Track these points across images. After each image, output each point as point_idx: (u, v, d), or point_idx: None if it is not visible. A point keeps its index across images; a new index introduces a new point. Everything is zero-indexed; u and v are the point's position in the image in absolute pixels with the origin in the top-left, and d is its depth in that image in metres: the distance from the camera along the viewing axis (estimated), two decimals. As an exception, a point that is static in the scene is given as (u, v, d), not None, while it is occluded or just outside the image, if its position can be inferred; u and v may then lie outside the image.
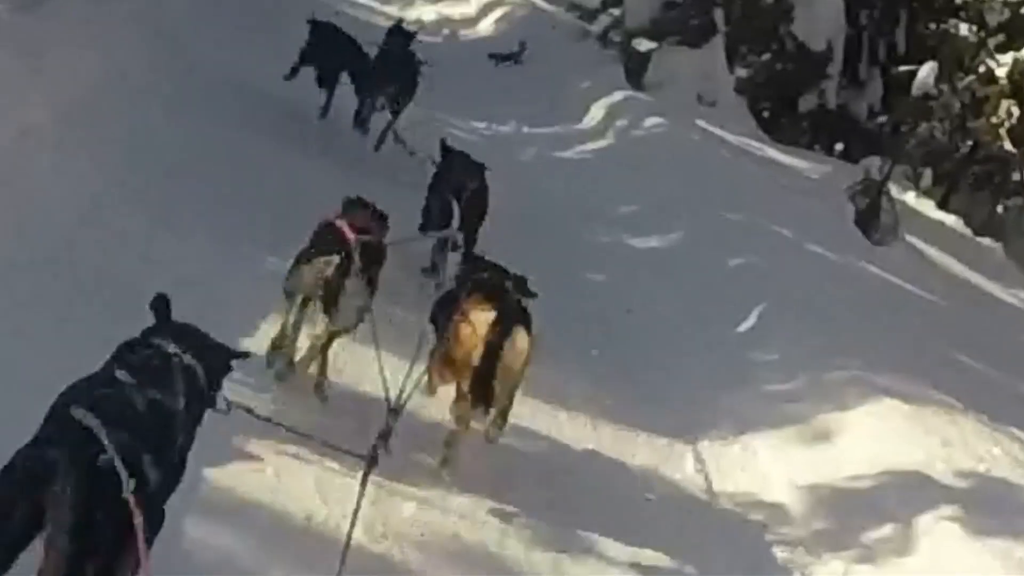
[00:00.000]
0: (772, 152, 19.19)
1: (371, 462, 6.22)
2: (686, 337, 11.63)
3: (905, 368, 11.01)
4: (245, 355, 5.83)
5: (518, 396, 8.22)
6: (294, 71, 14.58)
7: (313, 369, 8.29)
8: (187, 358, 5.27)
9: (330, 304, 7.88)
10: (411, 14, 22.87)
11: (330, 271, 7.83)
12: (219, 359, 5.55)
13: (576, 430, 9.48)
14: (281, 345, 8.20)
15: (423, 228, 11.01)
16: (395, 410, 6.94)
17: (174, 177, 11.20)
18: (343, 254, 7.84)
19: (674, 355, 11.25)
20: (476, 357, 7.67)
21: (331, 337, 8.15)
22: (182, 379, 5.19)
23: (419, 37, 15.09)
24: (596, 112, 18.21)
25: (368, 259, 7.95)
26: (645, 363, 11.06)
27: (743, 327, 11.87)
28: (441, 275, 10.37)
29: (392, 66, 14.22)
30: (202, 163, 11.91)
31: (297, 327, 8.17)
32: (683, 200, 14.95)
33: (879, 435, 9.68)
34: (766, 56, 21.90)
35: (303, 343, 8.27)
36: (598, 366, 10.81)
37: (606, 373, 10.64)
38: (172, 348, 5.25)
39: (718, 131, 18.73)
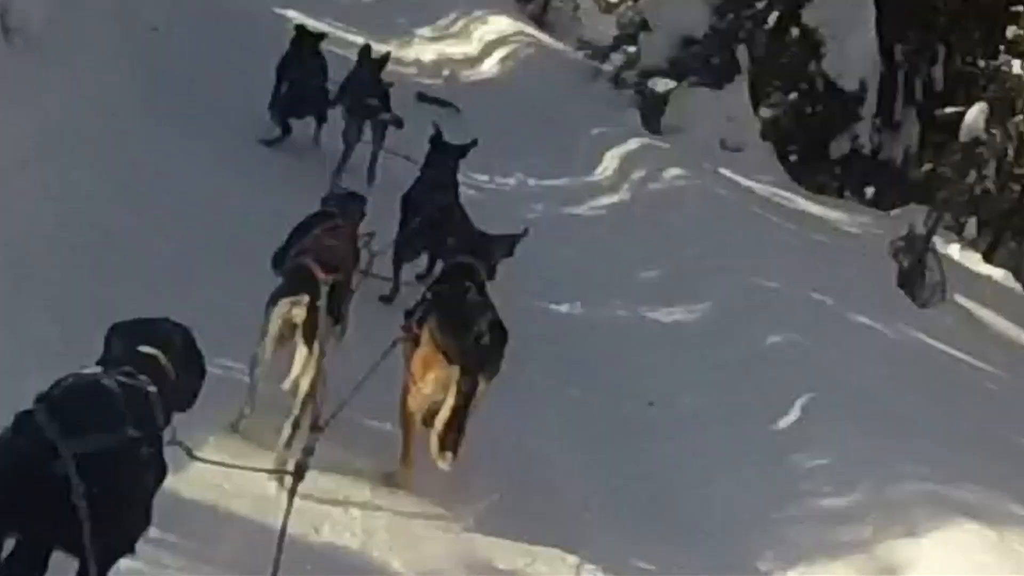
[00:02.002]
0: (802, 202, 17.64)
1: (297, 477, 6.34)
2: (718, 438, 10.02)
3: (979, 475, 9.41)
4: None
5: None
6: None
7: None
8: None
9: (307, 334, 7.73)
10: (409, 53, 21.37)
11: (303, 311, 7.73)
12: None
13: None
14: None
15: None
16: (319, 427, 7.00)
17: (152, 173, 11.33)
18: (312, 295, 7.74)
19: (704, 463, 9.65)
20: (442, 416, 7.72)
21: (317, 373, 7.83)
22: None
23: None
24: (610, 162, 16.61)
25: (335, 299, 7.90)
26: (671, 476, 9.47)
27: (784, 423, 10.25)
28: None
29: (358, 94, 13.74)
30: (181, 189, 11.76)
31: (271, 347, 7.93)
32: (709, 264, 13.39)
33: (959, 569, 8.15)
34: (793, 96, 20.28)
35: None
36: (614, 481, 9.30)
37: (625, 494, 9.12)
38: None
39: (744, 180, 17.21)
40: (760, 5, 20.01)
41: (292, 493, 6.29)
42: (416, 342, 8.01)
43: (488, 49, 22.10)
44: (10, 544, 4.61)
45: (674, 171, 15.78)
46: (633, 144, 16.95)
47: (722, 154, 18.28)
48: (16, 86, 10.17)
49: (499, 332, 8.09)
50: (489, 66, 21.47)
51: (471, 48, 22.39)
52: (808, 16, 19.52)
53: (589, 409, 10.30)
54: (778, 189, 17.81)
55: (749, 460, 9.63)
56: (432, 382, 7.80)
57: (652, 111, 18.98)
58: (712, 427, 10.17)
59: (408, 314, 8.34)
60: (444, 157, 11.58)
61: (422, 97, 16.64)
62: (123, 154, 11.55)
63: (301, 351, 7.76)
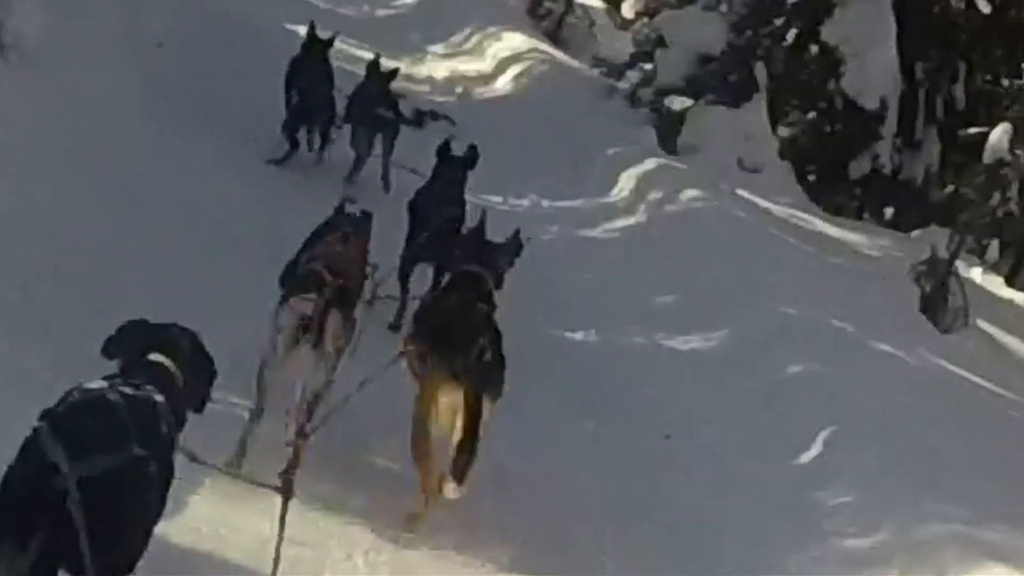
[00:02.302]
0: (821, 224, 17.25)
1: (286, 492, 6.22)
2: (737, 473, 9.75)
3: (1008, 513, 9.11)
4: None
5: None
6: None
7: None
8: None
9: (316, 339, 7.81)
10: (422, 70, 20.98)
11: (309, 310, 7.79)
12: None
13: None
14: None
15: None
16: (305, 434, 6.98)
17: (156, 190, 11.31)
18: (320, 294, 7.83)
19: (722, 498, 9.33)
20: (454, 440, 7.57)
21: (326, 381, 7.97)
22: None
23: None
24: (626, 183, 16.24)
25: (343, 300, 8.00)
26: (687, 512, 9.12)
27: (806, 457, 9.98)
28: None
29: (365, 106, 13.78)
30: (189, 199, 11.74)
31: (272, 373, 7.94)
32: (728, 289, 13.04)
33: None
34: (812, 115, 19.92)
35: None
36: (630, 516, 8.98)
37: (640, 530, 8.81)
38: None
39: (762, 202, 16.86)
40: (779, 22, 19.62)
41: (284, 512, 6.18)
42: (421, 358, 7.96)
43: (502, 66, 21.66)
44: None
45: (691, 192, 15.42)
46: (649, 164, 16.58)
47: (739, 174, 17.90)
48: (10, 103, 9.87)
49: (499, 347, 8.01)
50: (503, 83, 21.06)
51: (484, 65, 21.96)
52: (828, 33, 19.13)
53: (604, 442, 9.96)
54: (796, 210, 17.43)
55: (769, 497, 9.33)
56: (443, 407, 7.64)
57: (668, 130, 18.59)
58: (731, 461, 9.88)
59: (412, 325, 8.37)
60: (452, 169, 11.46)
61: (419, 115, 16.30)
62: (123, 168, 11.40)
63: (309, 353, 7.81)
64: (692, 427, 10.39)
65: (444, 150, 11.56)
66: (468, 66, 21.95)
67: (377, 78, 14.08)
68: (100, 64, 12.26)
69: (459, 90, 20.39)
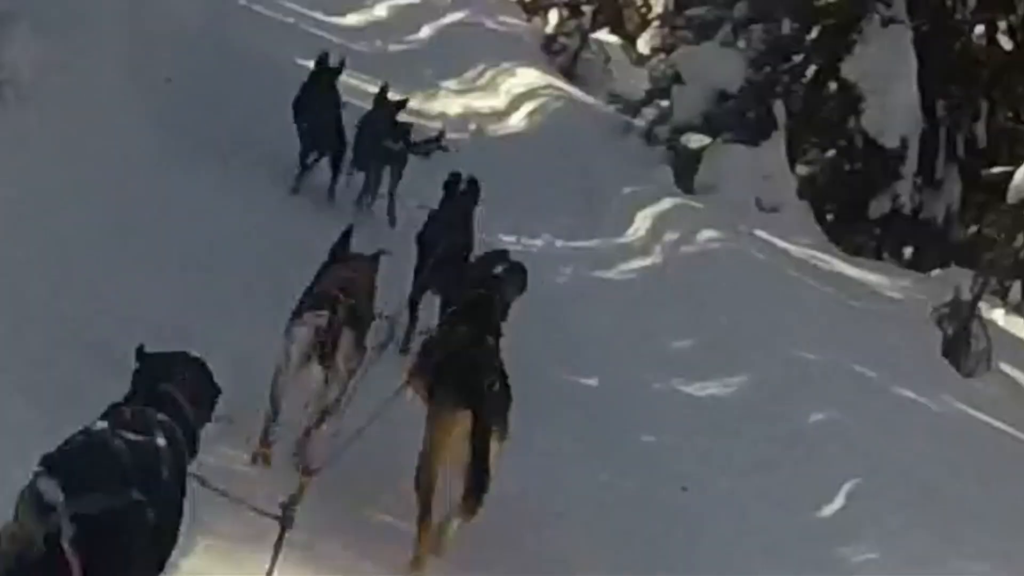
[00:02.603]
0: (840, 265, 16.91)
1: (285, 522, 6.02)
2: (757, 527, 9.49)
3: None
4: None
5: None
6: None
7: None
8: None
9: (327, 357, 7.94)
10: (434, 106, 20.71)
11: (323, 323, 7.92)
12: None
13: None
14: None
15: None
16: (311, 471, 7.05)
17: (163, 230, 11.20)
18: (333, 311, 7.95)
19: (742, 554, 9.08)
20: (458, 470, 7.54)
21: (336, 400, 8.12)
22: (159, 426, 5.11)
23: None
24: (642, 223, 15.95)
25: (355, 320, 8.12)
26: (706, 568, 8.87)
27: (828, 510, 9.71)
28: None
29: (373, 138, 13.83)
30: (193, 220, 11.80)
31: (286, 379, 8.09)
32: (746, 333, 12.78)
33: None
34: (831, 153, 19.61)
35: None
36: (644, 570, 8.69)
37: None
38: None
39: (780, 242, 16.54)
40: (798, 58, 19.33)
41: (278, 544, 5.99)
42: (427, 391, 7.97)
43: (516, 103, 21.39)
44: None
45: (708, 233, 15.12)
46: (666, 204, 16.29)
47: (758, 214, 17.58)
48: (4, 142, 9.60)
49: (505, 380, 7.96)
50: (517, 120, 20.79)
51: (498, 101, 21.68)
52: (847, 69, 18.82)
53: (620, 494, 9.69)
54: (815, 251, 17.11)
55: (791, 553, 9.07)
56: (452, 437, 7.62)
57: (685, 168, 18.28)
58: (751, 515, 9.61)
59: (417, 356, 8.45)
60: (459, 200, 11.63)
61: (426, 143, 16.03)
62: (124, 205, 11.24)
63: (318, 373, 7.96)
64: (710, 477, 10.12)
65: (452, 183, 11.71)
66: (482, 102, 21.68)
67: (385, 107, 14.12)
68: (102, 99, 12.02)
69: (472, 127, 20.12)
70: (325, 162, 14.26)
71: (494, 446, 7.58)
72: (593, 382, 11.64)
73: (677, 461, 10.37)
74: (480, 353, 8.05)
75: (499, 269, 9.23)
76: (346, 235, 9.25)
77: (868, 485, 9.78)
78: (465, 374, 7.80)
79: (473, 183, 11.77)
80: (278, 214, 13.40)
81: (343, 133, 14.05)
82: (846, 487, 9.74)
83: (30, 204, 9.25)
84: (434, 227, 11.31)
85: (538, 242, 15.41)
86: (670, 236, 15.30)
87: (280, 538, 5.97)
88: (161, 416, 5.18)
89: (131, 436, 4.91)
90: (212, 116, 14.81)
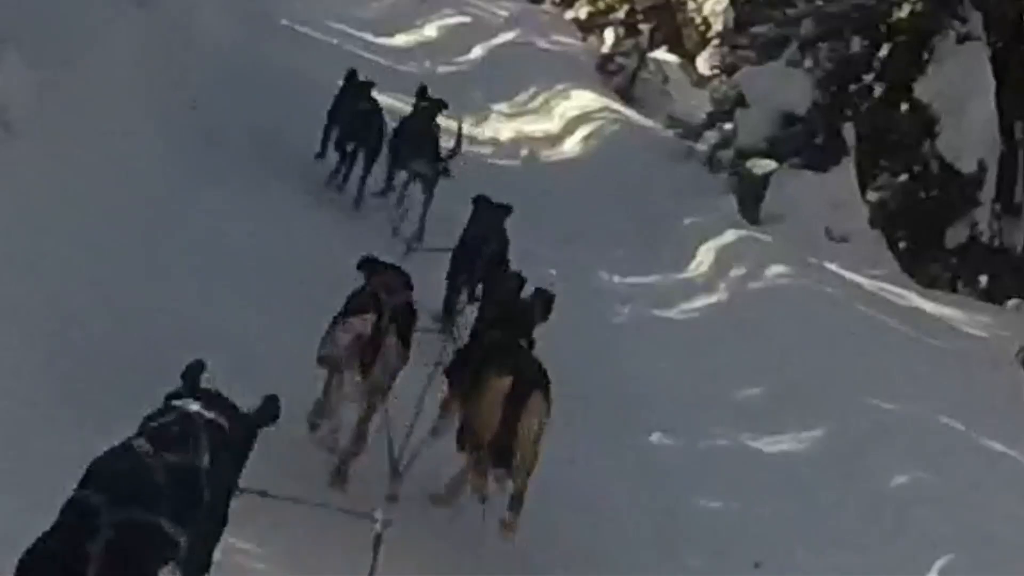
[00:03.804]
0: (916, 299, 15.91)
1: (383, 524, 6.19)
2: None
3: None
4: (274, 415, 5.83)
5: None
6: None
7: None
8: (209, 414, 5.31)
9: (367, 367, 8.03)
10: (485, 131, 19.92)
11: (367, 330, 7.97)
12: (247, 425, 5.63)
13: None
14: (323, 414, 8.27)
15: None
16: (399, 472, 7.65)
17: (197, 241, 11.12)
18: (378, 314, 8.02)
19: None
20: (494, 426, 7.89)
21: (370, 407, 8.24)
22: (206, 435, 5.20)
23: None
24: (704, 256, 15.03)
25: (401, 320, 8.21)
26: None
27: (921, 593, 8.80)
28: (454, 331, 9.97)
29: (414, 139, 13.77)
30: (224, 231, 11.70)
31: (337, 395, 8.22)
32: (820, 380, 11.81)
33: None
34: (904, 178, 18.62)
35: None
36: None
37: None
38: (194, 407, 5.33)
39: (852, 275, 15.59)
40: (868, 78, 18.39)
41: (377, 545, 6.12)
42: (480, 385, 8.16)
43: (570, 126, 20.59)
44: None
45: (777, 268, 14.18)
46: (730, 236, 15.38)
47: (827, 245, 16.76)
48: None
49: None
50: (571, 145, 19.98)
51: (552, 125, 20.88)
52: (921, 90, 17.96)
53: (683, 569, 8.92)
54: (888, 283, 16.20)
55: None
56: (492, 399, 7.95)
57: (750, 196, 17.49)
58: (833, 597, 8.68)
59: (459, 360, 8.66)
60: (491, 213, 11.67)
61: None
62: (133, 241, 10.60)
63: (356, 380, 8.07)
64: (786, 552, 9.25)
65: (481, 199, 11.80)
66: (534, 126, 20.94)
67: (421, 113, 14.08)
68: (111, 129, 11.24)
69: (524, 152, 19.34)
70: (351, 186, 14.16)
71: (534, 419, 7.94)
72: (655, 440, 10.73)
73: (747, 531, 9.52)
74: (517, 344, 8.45)
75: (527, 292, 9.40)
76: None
77: (964, 560, 8.86)
78: (504, 353, 8.22)
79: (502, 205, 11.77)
80: (305, 228, 13.05)
81: (382, 132, 13.98)
82: (939, 563, 8.85)
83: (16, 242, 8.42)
84: (471, 238, 11.50)
85: (594, 278, 14.60)
86: (735, 271, 14.40)
87: (379, 539, 6.09)
88: (209, 415, 5.30)
89: (172, 458, 5.01)
90: (241, 140, 14.32)
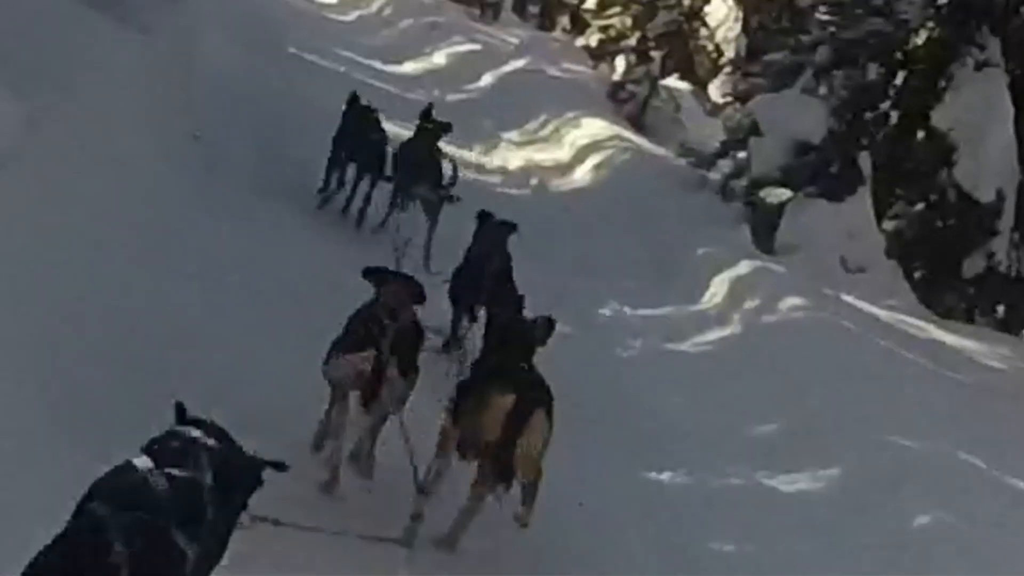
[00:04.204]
0: (934, 331, 15.53)
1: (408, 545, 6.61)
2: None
3: None
4: (280, 466, 5.65)
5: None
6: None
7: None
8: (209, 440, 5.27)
9: (369, 399, 8.06)
10: (494, 159, 19.63)
11: (367, 367, 7.99)
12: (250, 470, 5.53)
13: None
14: (328, 433, 8.30)
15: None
16: (424, 492, 7.60)
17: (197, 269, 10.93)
18: (378, 348, 8.00)
19: None
20: (495, 442, 7.91)
21: (374, 431, 8.35)
22: (207, 456, 5.18)
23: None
24: (718, 287, 14.67)
25: (404, 345, 8.18)
26: None
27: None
28: (461, 349, 10.24)
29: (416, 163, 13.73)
30: (224, 261, 11.42)
31: (342, 415, 8.22)
32: (837, 416, 11.46)
33: None
34: (920, 207, 18.26)
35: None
36: None
37: None
38: (196, 433, 5.29)
39: (869, 307, 15.25)
40: (884, 106, 18.07)
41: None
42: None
43: (580, 155, 20.24)
44: None
45: (792, 300, 13.81)
46: (744, 268, 15.01)
47: (843, 276, 16.41)
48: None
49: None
50: (581, 174, 19.65)
51: (562, 154, 20.55)
52: (938, 118, 17.60)
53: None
54: (905, 315, 15.82)
55: None
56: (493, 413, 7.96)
57: (764, 226, 17.19)
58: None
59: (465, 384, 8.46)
60: (491, 232, 11.62)
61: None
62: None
63: (359, 412, 8.10)
64: (803, 597, 8.85)
65: (485, 215, 11.79)
66: (544, 155, 20.61)
67: (424, 136, 14.01)
68: (102, 163, 10.86)
69: (534, 181, 19.01)
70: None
71: (536, 436, 7.94)
72: (665, 478, 10.39)
73: (762, 573, 9.19)
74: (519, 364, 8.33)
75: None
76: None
77: (989, 607, 8.44)
78: (507, 372, 8.19)
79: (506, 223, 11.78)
80: (308, 255, 12.84)
81: (384, 158, 13.92)
82: (962, 607, 8.43)
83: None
84: (474, 256, 11.43)
85: (605, 311, 14.27)
86: (749, 303, 14.02)
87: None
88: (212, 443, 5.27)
89: (177, 473, 5.01)
90: (243, 169, 14.07)
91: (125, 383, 8.28)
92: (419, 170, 13.63)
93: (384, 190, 13.91)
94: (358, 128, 14.00)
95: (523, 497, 7.99)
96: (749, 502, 10.19)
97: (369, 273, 8.64)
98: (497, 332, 9.00)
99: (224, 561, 5.22)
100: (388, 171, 13.91)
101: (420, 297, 8.65)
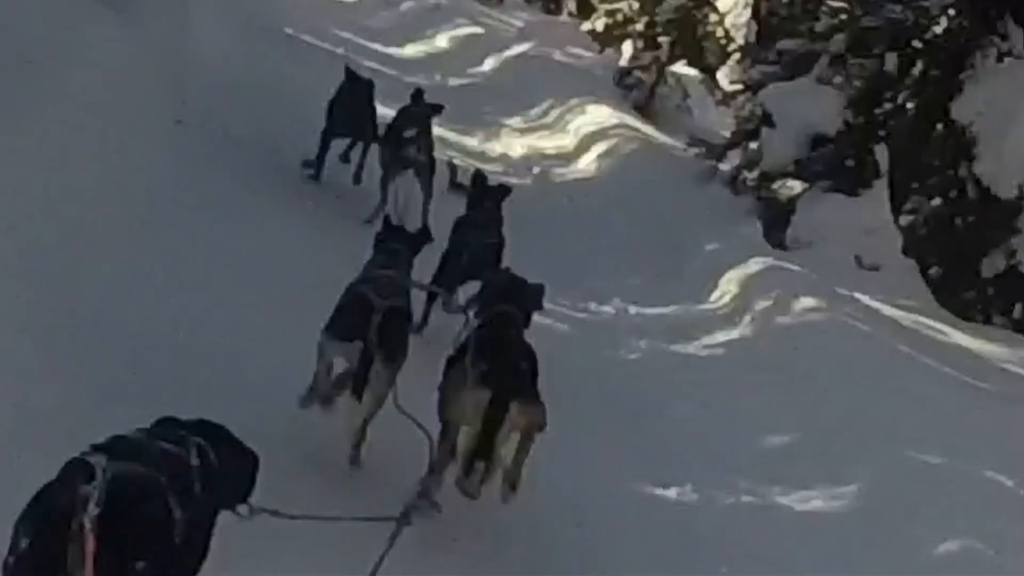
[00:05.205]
0: (954, 334, 14.88)
1: (403, 523, 6.65)
2: None
3: None
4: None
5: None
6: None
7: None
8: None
9: (360, 390, 7.95)
10: (495, 147, 19.03)
11: (354, 361, 7.95)
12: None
13: None
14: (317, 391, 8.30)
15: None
16: (434, 472, 7.65)
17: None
18: (364, 341, 7.92)
19: None
20: (472, 436, 7.68)
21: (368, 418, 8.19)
22: (195, 448, 5.33)
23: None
24: (727, 286, 14.00)
25: (391, 330, 8.06)
26: None
27: None
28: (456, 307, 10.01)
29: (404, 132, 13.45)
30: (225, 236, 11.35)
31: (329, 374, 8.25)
32: (854, 427, 10.72)
33: None
34: (937, 203, 17.62)
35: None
36: None
37: None
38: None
39: (884, 307, 14.60)
40: (902, 97, 17.47)
41: (394, 537, 6.46)
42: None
43: (585, 143, 19.63)
44: None
45: (806, 301, 13.12)
46: (755, 265, 14.33)
47: (857, 273, 15.79)
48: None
49: (533, 361, 7.94)
50: (585, 163, 19.02)
51: (566, 141, 19.94)
52: (958, 110, 16.97)
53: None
54: (921, 315, 15.16)
55: None
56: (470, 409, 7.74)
57: (776, 221, 16.60)
58: None
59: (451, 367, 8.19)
60: (486, 199, 11.57)
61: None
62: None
63: (350, 402, 7.99)
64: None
65: (479, 179, 11.79)
66: (547, 143, 19.99)
67: (418, 107, 13.89)
68: (85, 155, 10.37)
69: (536, 170, 18.34)
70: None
71: (517, 413, 7.67)
72: (672, 495, 9.67)
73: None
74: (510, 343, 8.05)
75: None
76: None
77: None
78: (488, 358, 7.82)
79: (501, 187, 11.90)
80: (298, 246, 12.39)
81: (374, 120, 13.99)
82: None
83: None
84: (465, 226, 11.26)
85: (607, 308, 13.60)
86: (761, 303, 13.30)
87: (394, 535, 6.44)
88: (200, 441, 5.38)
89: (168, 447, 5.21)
90: (231, 160, 13.41)
91: (113, 386, 8.03)
92: (407, 139, 13.37)
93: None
94: (351, 101, 13.97)
95: (503, 482, 7.82)
96: (761, 522, 9.48)
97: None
98: (491, 291, 8.74)
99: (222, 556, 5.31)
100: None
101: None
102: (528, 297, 8.63)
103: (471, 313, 8.67)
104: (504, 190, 11.77)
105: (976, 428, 11.20)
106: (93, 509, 4.60)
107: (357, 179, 14.04)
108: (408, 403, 7.94)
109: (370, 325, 7.92)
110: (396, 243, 9.12)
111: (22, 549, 4.63)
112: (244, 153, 13.79)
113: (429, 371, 8.26)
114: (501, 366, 7.75)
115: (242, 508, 5.70)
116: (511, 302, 8.39)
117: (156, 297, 9.62)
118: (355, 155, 14.20)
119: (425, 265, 9.93)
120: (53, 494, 4.73)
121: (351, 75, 14.30)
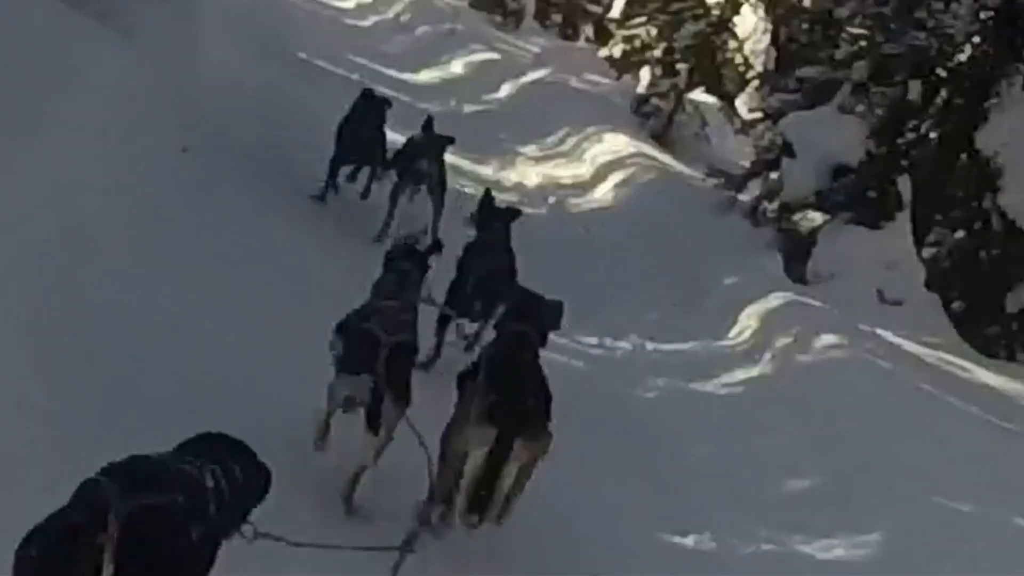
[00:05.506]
0: (979, 372, 14.47)
1: (405, 550, 6.58)
2: None
3: None
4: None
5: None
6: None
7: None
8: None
9: (375, 424, 7.87)
10: (510, 176, 18.70)
11: (365, 397, 7.87)
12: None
13: None
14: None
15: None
16: (439, 501, 7.53)
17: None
18: (373, 378, 7.85)
19: None
20: (475, 476, 7.58)
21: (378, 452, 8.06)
22: (209, 470, 5.37)
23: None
24: (747, 321, 13.63)
25: (397, 367, 7.97)
26: None
27: None
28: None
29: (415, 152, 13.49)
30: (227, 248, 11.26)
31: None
32: (878, 472, 10.42)
33: None
34: (960, 235, 17.24)
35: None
36: None
37: None
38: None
39: (907, 344, 14.21)
40: (925, 126, 17.11)
41: (397, 566, 6.44)
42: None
43: (602, 172, 19.23)
44: None
45: (828, 338, 12.74)
46: (775, 300, 13.95)
47: (879, 308, 15.36)
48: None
49: (545, 394, 7.78)
50: (602, 193, 18.64)
51: (582, 170, 19.54)
52: (983, 140, 16.58)
53: None
54: (944, 352, 14.75)
55: None
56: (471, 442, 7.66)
57: (796, 254, 16.21)
58: None
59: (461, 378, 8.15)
60: (494, 221, 11.38)
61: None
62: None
63: (364, 435, 7.86)
64: None
65: (487, 200, 11.59)
66: (563, 171, 19.60)
67: (430, 138, 13.71)
68: (88, 178, 10.09)
69: (551, 200, 17.98)
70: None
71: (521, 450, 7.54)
72: (690, 543, 9.35)
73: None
74: (521, 370, 7.92)
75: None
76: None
77: None
78: (497, 391, 7.68)
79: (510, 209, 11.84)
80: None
81: (383, 146, 13.90)
82: None
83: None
84: (475, 250, 11.10)
85: (625, 345, 13.23)
86: (782, 340, 12.91)
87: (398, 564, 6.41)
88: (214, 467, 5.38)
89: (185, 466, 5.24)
90: (234, 179, 13.17)
91: (113, 389, 7.99)
92: (418, 154, 13.41)
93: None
94: (361, 122, 13.95)
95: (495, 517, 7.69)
96: (782, 572, 9.19)
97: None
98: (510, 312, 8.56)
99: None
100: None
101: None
102: (544, 315, 8.45)
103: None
104: (513, 212, 11.64)
105: (1002, 471, 10.85)
106: (111, 533, 4.68)
107: (365, 194, 13.99)
108: (411, 413, 7.85)
109: (378, 359, 7.83)
110: (406, 262, 9.04)
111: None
112: (252, 176, 13.52)
113: (434, 383, 8.35)
114: (510, 399, 7.56)
115: (246, 529, 5.67)
116: (527, 320, 8.22)
117: (158, 311, 9.43)
118: (363, 175, 14.16)
119: (437, 284, 9.88)
120: (68, 519, 4.77)
121: (367, 93, 14.27)
